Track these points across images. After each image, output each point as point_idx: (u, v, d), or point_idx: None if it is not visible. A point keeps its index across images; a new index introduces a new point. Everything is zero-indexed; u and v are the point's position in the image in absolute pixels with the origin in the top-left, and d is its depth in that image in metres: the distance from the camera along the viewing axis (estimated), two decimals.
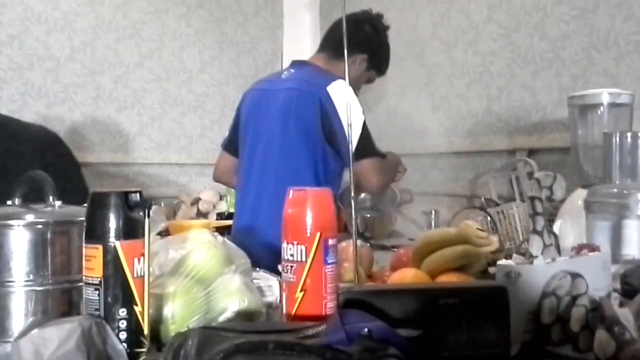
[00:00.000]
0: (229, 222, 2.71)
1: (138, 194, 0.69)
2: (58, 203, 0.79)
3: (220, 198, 3.12)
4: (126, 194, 0.68)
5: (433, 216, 2.36)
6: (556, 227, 1.33)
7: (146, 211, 0.68)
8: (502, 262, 0.91)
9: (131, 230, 0.67)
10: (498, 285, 0.85)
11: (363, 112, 1.84)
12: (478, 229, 1.12)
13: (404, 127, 2.78)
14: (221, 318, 0.81)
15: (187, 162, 3.25)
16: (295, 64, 2.04)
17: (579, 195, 1.36)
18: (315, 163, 1.86)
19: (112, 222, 0.66)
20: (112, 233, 0.66)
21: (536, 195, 1.09)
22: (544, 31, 2.22)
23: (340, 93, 1.81)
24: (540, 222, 1.10)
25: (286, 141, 1.88)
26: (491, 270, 1.05)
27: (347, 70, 1.11)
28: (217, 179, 2.25)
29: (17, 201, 0.81)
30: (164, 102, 3.19)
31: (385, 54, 2.09)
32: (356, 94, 2.01)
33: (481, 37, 2.49)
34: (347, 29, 2.06)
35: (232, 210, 3.02)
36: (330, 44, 2.02)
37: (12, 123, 1.24)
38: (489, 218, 1.63)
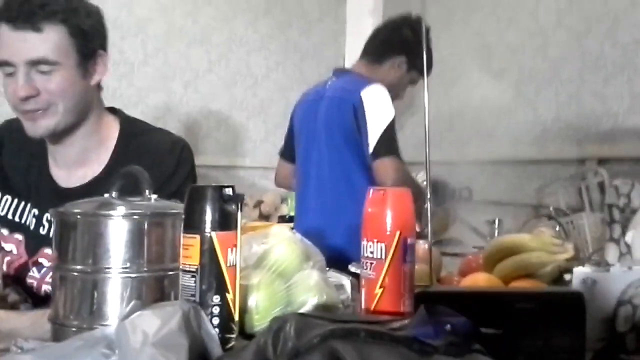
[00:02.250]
0: (291, 224, 2.76)
1: (231, 189, 0.73)
2: (154, 196, 0.84)
3: (282, 201, 3.17)
4: (221, 188, 0.72)
5: (497, 225, 2.33)
6: (629, 237, 1.31)
7: (239, 204, 0.72)
8: (579, 268, 0.91)
9: (225, 222, 0.71)
10: (575, 292, 0.85)
11: (394, 115, 1.92)
12: (552, 236, 1.12)
13: (468, 134, 2.76)
14: (301, 311, 0.84)
15: (251, 165, 3.33)
16: (337, 72, 2.16)
17: None
18: (362, 165, 1.94)
19: (209, 214, 0.70)
20: (208, 224, 0.70)
21: (614, 202, 1.08)
22: (615, 37, 2.18)
23: (374, 97, 1.90)
24: (617, 231, 1.09)
25: (333, 147, 1.99)
26: (566, 277, 1.05)
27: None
28: (278, 184, 2.42)
29: (114, 194, 0.87)
30: (230, 107, 3.28)
31: (427, 55, 2.14)
32: (401, 95, 2.10)
33: (550, 42, 2.45)
34: (386, 33, 2.10)
35: (293, 213, 3.08)
36: (370, 49, 2.11)
37: (149, 132, 1.31)
38: (558, 228, 1.60)
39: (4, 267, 1.25)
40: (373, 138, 1.89)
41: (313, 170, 2.05)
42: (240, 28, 3.30)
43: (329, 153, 2.00)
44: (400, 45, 2.06)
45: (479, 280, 1.07)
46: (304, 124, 2.11)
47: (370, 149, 1.89)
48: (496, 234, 2.33)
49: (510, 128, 2.62)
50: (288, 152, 2.22)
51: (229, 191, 0.72)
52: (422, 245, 1.14)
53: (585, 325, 0.81)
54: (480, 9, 2.82)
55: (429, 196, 1.04)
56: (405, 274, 0.81)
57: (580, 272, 0.89)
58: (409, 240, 0.81)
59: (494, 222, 2.38)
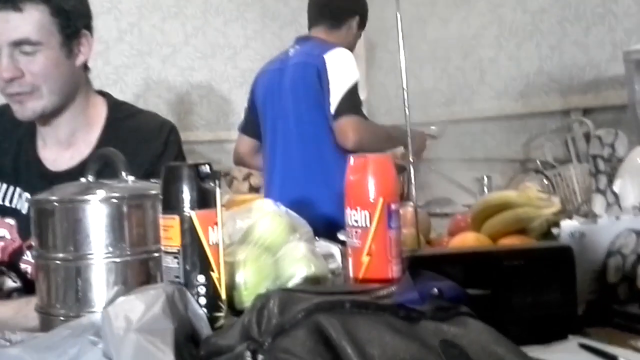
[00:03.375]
0: None
1: (208, 166, 0.71)
2: (131, 178, 0.82)
3: None
4: (197, 166, 0.70)
5: (486, 182, 2.33)
6: (616, 187, 1.31)
7: (216, 182, 0.71)
8: (566, 222, 0.91)
9: (204, 200, 0.69)
10: (563, 246, 0.85)
11: (357, 78, 1.96)
12: (538, 190, 1.11)
13: (451, 92, 2.74)
14: (290, 284, 0.83)
15: (236, 138, 3.30)
16: (300, 39, 2.17)
17: (639, 153, 1.32)
18: (329, 129, 1.96)
19: (187, 193, 0.69)
20: (187, 204, 0.69)
21: (598, 153, 1.07)
22: None
23: (337, 60, 1.95)
24: (603, 181, 1.09)
25: (300, 114, 2.01)
26: (554, 231, 1.05)
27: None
28: (238, 161, 2.36)
29: (90, 178, 0.85)
30: (210, 80, 3.24)
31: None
32: (352, 52, 2.11)
33: None
34: None
35: None
36: (327, 14, 2.13)
37: (136, 114, 1.30)
38: (546, 181, 1.60)
39: None
40: (335, 99, 1.91)
41: (280, 140, 2.06)
42: None
43: (296, 119, 2.01)
44: (355, 7, 2.13)
45: (468, 239, 1.07)
46: (268, 94, 2.11)
47: (332, 110, 1.90)
48: (485, 190, 2.34)
49: (493, 84, 2.60)
50: (250, 127, 2.22)
51: (205, 168, 0.70)
52: (408, 209, 1.13)
53: (576, 278, 0.81)
54: None
55: (410, 158, 1.03)
56: (391, 240, 0.80)
57: (568, 226, 0.89)
58: (392, 206, 0.80)
59: (482, 179, 2.39)
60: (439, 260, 0.80)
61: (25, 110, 1.15)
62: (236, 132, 3.34)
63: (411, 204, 1.15)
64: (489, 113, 2.61)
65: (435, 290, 0.62)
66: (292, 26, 3.46)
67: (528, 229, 1.08)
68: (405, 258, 0.80)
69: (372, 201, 0.79)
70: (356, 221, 0.80)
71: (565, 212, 1.22)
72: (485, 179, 2.35)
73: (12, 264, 1.23)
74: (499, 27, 2.57)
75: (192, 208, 0.69)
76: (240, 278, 0.81)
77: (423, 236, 1.21)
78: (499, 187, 2.21)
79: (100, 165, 0.87)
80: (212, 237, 0.69)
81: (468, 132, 2.64)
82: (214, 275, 0.69)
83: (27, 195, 1.23)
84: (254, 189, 3.06)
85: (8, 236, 1.24)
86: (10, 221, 1.24)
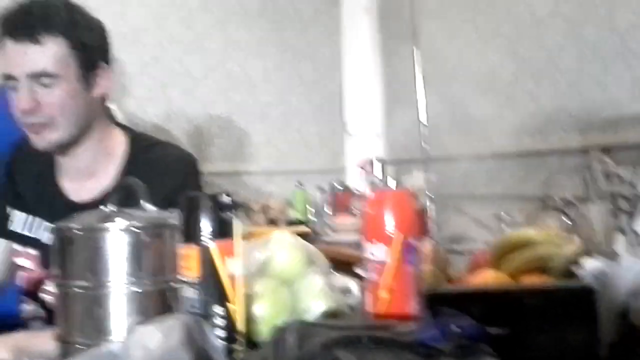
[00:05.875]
0: (302, 229, 2.76)
1: (227, 196, 0.72)
2: (151, 207, 0.83)
3: (288, 205, 3.16)
4: (216, 196, 0.71)
5: (504, 219, 2.31)
6: (637, 225, 1.29)
7: (235, 212, 0.71)
8: (588, 261, 0.89)
9: (223, 230, 0.70)
10: (585, 286, 0.84)
11: None
12: (558, 228, 1.10)
13: (468, 128, 2.74)
14: (307, 317, 0.83)
15: (255, 170, 3.32)
16: None
17: None
18: None
19: (206, 224, 0.69)
20: (206, 234, 0.69)
21: (618, 191, 1.06)
22: (612, 23, 2.15)
23: None
24: (624, 220, 1.07)
25: None
26: (575, 270, 1.03)
27: None
28: None
29: (112, 207, 0.86)
30: (230, 112, 3.27)
31: None
32: None
33: (547, 32, 2.44)
34: None
35: (300, 217, 3.07)
36: None
37: (156, 146, 1.31)
38: (565, 219, 1.59)
39: (20, 282, 1.25)
40: None
41: None
42: (235, 32, 3.29)
43: None
44: None
45: (487, 277, 1.05)
46: None
47: None
48: (504, 228, 2.31)
49: (511, 120, 2.60)
50: None
51: (225, 198, 0.70)
52: (427, 245, 1.12)
53: (598, 319, 0.80)
54: (475, 2, 2.80)
55: (428, 194, 1.03)
56: (409, 275, 0.79)
57: (590, 265, 0.88)
58: (411, 241, 0.80)
59: (501, 216, 2.36)
60: (459, 297, 0.79)
61: (42, 140, 1.16)
62: (254, 164, 3.38)
63: (430, 240, 1.15)
64: (507, 149, 2.60)
65: (456, 328, 0.61)
66: (310, 61, 3.51)
67: (548, 267, 1.07)
68: (424, 295, 0.79)
69: (390, 235, 0.79)
70: (374, 255, 0.79)
71: (586, 251, 1.21)
72: (505, 216, 2.33)
73: (33, 293, 1.24)
74: (517, 63, 2.58)
75: (210, 238, 0.69)
76: (257, 310, 0.80)
77: (442, 273, 1.20)
78: (518, 225, 2.19)
79: (122, 195, 0.88)
80: (230, 268, 0.69)
81: (486, 168, 2.63)
82: (232, 307, 0.69)
83: (47, 225, 1.24)
84: (271, 222, 3.06)
85: (30, 266, 1.25)
86: (33, 251, 1.25)
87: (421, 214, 1.63)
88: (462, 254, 1.59)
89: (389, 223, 0.80)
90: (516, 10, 2.59)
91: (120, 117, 2.36)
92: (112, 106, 2.29)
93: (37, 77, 1.11)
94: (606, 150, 2.12)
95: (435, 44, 2.86)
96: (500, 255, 1.10)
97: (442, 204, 2.76)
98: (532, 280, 1.02)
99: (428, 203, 1.07)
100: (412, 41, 0.92)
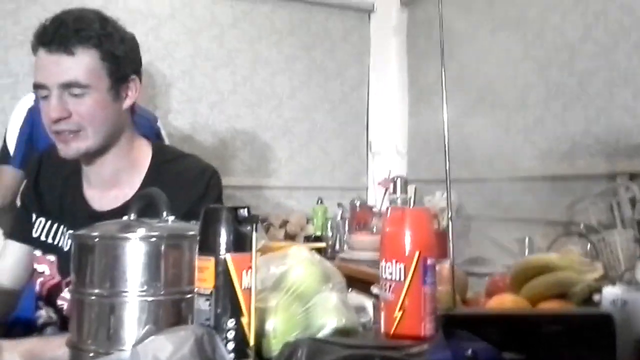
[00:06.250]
0: (318, 244, 2.75)
1: (246, 210, 0.72)
2: (171, 218, 0.84)
3: (308, 221, 3.16)
4: (235, 209, 0.71)
5: (527, 243, 2.28)
6: None
7: (254, 226, 0.71)
8: (608, 289, 0.88)
9: (240, 243, 0.70)
10: (604, 313, 0.82)
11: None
12: (581, 254, 1.08)
13: (495, 150, 2.72)
14: (319, 334, 0.82)
15: (276, 185, 3.34)
16: None
17: None
18: None
19: (223, 236, 0.69)
20: (223, 246, 0.69)
21: None
22: None
23: None
24: None
25: None
26: (596, 298, 1.01)
27: None
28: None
29: (132, 216, 0.87)
30: (255, 127, 3.30)
31: None
32: None
33: (577, 57, 2.41)
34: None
35: (319, 233, 3.07)
36: None
37: (180, 158, 1.33)
38: (589, 245, 1.56)
39: (37, 288, 1.27)
40: None
41: None
42: (264, 50, 3.33)
43: None
44: None
45: (506, 301, 1.04)
46: None
47: None
48: (526, 252, 2.28)
49: (538, 143, 2.57)
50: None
51: (243, 212, 0.71)
52: (445, 266, 1.11)
53: (616, 348, 0.78)
54: (506, 25, 2.80)
55: (450, 215, 1.02)
56: (425, 296, 0.79)
57: (610, 293, 0.86)
58: (429, 261, 0.79)
59: (523, 240, 2.33)
60: (475, 320, 0.77)
61: (70, 149, 1.18)
62: (276, 179, 3.40)
63: (448, 261, 1.13)
64: (532, 173, 2.57)
65: (470, 351, 0.60)
66: (337, 79, 3.53)
67: (569, 293, 1.05)
68: (439, 316, 0.78)
69: (407, 254, 0.79)
70: (390, 274, 0.79)
71: (608, 279, 1.18)
72: (526, 240, 2.30)
73: (49, 299, 1.26)
74: (546, 87, 2.55)
75: (227, 250, 0.69)
76: (270, 325, 0.80)
77: (459, 295, 1.18)
78: (540, 249, 2.15)
79: (143, 205, 0.89)
80: (245, 281, 0.69)
81: (510, 191, 2.60)
82: (244, 320, 0.69)
83: (69, 232, 1.25)
84: (290, 237, 3.06)
85: (48, 272, 1.26)
86: (51, 258, 1.27)
87: (441, 234, 1.60)
88: (482, 277, 1.56)
89: (407, 242, 0.79)
90: (547, 34, 2.57)
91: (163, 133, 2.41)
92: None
93: (69, 87, 1.14)
94: (633, 177, 2.08)
95: (464, 65, 2.86)
96: (520, 279, 1.09)
97: (464, 226, 2.74)
98: (552, 306, 1.00)
99: (449, 224, 1.06)
100: (441, 62, 0.92)
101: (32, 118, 2.03)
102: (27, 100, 2.10)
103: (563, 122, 2.47)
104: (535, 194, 2.56)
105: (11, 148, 2.08)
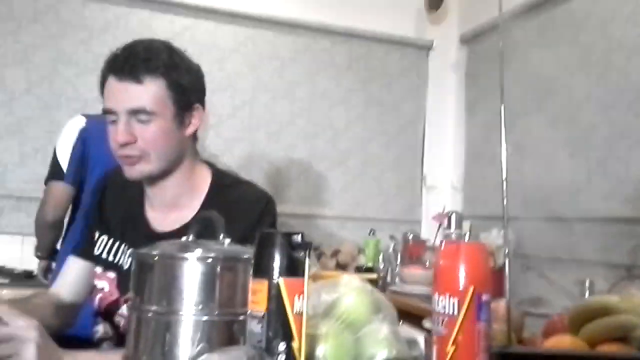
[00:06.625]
0: (370, 275, 2.73)
1: (300, 236, 0.73)
2: (227, 241, 0.86)
3: (359, 251, 3.15)
4: (290, 235, 0.72)
5: (587, 286, 2.19)
6: None
7: (307, 252, 0.72)
8: None
9: (293, 268, 0.71)
10: None
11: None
12: None
13: (555, 191, 2.65)
14: None
15: (329, 215, 3.35)
16: None
17: None
18: None
19: (277, 260, 0.71)
20: (276, 270, 0.71)
21: None
22: None
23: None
24: None
25: None
26: None
27: None
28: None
29: (191, 237, 0.90)
30: (311, 157, 3.34)
31: None
32: None
33: None
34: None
35: (370, 264, 3.04)
36: None
37: (238, 184, 1.37)
38: None
39: (96, 303, 1.31)
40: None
41: None
42: (323, 83, 3.39)
43: None
44: None
45: (563, 342, 1.00)
46: None
47: None
48: (587, 294, 2.19)
49: (601, 185, 2.49)
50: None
51: (297, 238, 0.72)
52: (500, 304, 1.08)
53: None
54: (569, 67, 2.75)
55: (506, 251, 1.00)
56: (479, 332, 0.77)
57: None
58: (484, 297, 0.78)
59: (583, 282, 2.24)
60: (529, 359, 0.75)
61: (134, 171, 1.23)
62: (329, 209, 3.41)
63: (504, 299, 1.11)
64: (594, 214, 2.48)
65: None
66: (393, 113, 3.54)
67: (629, 337, 1.00)
68: (493, 353, 0.76)
69: (462, 289, 0.78)
70: (444, 308, 0.78)
71: None
72: (587, 282, 2.21)
73: (107, 315, 1.30)
74: (610, 128, 2.49)
75: (280, 275, 0.70)
76: (320, 352, 0.80)
77: (515, 334, 1.15)
78: (601, 292, 2.06)
79: (201, 227, 0.91)
80: (297, 305, 0.70)
81: (571, 232, 2.52)
82: (295, 345, 0.69)
83: (129, 250, 1.30)
84: (341, 266, 3.05)
85: (107, 289, 1.31)
86: (111, 275, 1.31)
87: (497, 272, 1.57)
88: (539, 317, 1.51)
89: (462, 276, 0.78)
90: (610, 74, 2.52)
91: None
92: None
93: (136, 113, 1.19)
94: None
95: (525, 104, 2.82)
96: (579, 320, 1.05)
97: (522, 265, 2.66)
98: (611, 349, 0.96)
99: (506, 262, 1.04)
100: (500, 98, 0.91)
101: (84, 138, 2.14)
102: (78, 121, 2.22)
103: (626, 164, 2.39)
104: (597, 236, 2.47)
105: (63, 165, 2.18)
